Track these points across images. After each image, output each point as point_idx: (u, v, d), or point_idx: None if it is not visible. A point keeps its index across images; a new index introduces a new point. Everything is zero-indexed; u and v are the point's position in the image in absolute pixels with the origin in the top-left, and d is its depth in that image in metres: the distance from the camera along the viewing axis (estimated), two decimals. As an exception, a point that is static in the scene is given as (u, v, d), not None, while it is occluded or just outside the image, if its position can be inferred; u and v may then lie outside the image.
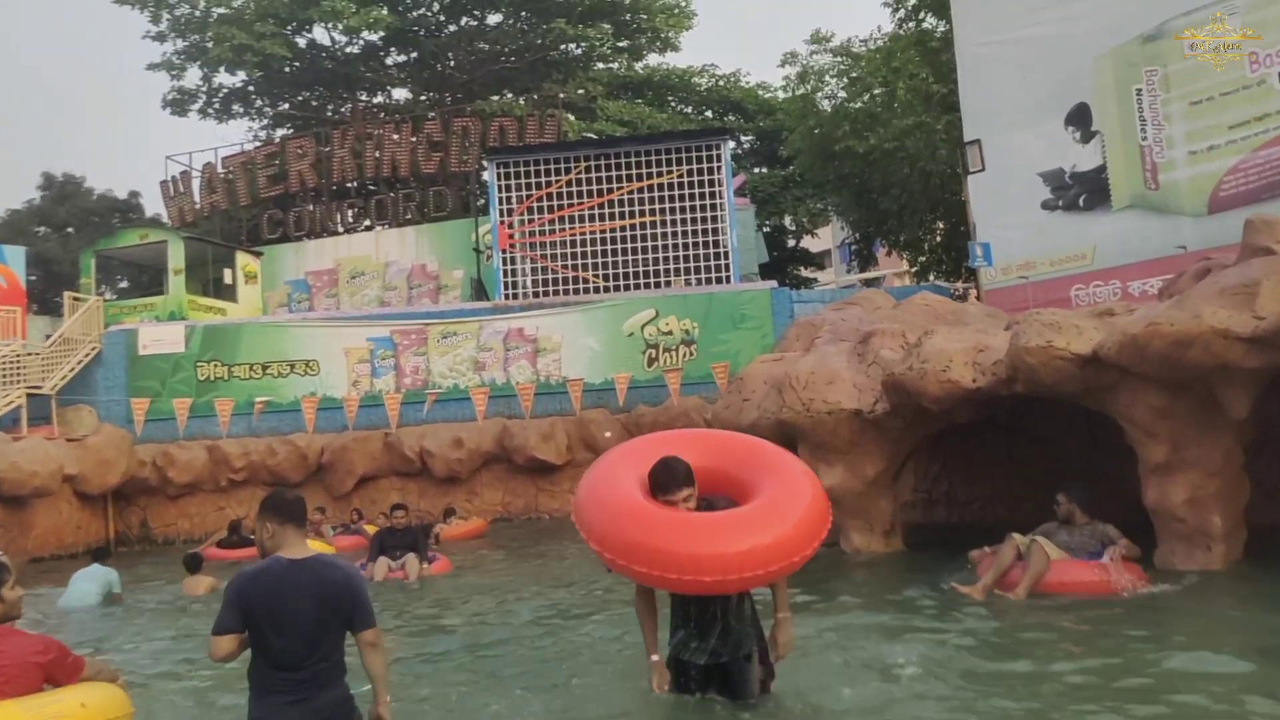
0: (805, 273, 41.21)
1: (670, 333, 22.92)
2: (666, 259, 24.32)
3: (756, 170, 37.39)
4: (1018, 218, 20.23)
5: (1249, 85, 17.33)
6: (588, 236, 24.53)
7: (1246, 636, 6.68)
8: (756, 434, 12.56)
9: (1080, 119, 19.70)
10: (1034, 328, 9.15)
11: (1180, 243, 17.28)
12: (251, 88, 38.78)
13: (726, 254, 24.17)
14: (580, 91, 37.35)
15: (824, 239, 47.80)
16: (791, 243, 39.86)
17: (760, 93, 38.61)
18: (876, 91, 27.65)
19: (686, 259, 24.29)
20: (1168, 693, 5.38)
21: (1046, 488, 9.28)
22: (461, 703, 6.10)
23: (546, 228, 24.68)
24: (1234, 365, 7.77)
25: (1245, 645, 6.30)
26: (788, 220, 38.17)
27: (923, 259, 30.37)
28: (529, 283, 24.70)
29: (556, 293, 24.30)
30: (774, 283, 24.49)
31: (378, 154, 30.41)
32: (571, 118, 33.90)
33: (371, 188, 33.67)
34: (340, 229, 30.67)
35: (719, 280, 23.98)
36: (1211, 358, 7.79)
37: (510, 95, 38.17)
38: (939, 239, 29.61)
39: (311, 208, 30.38)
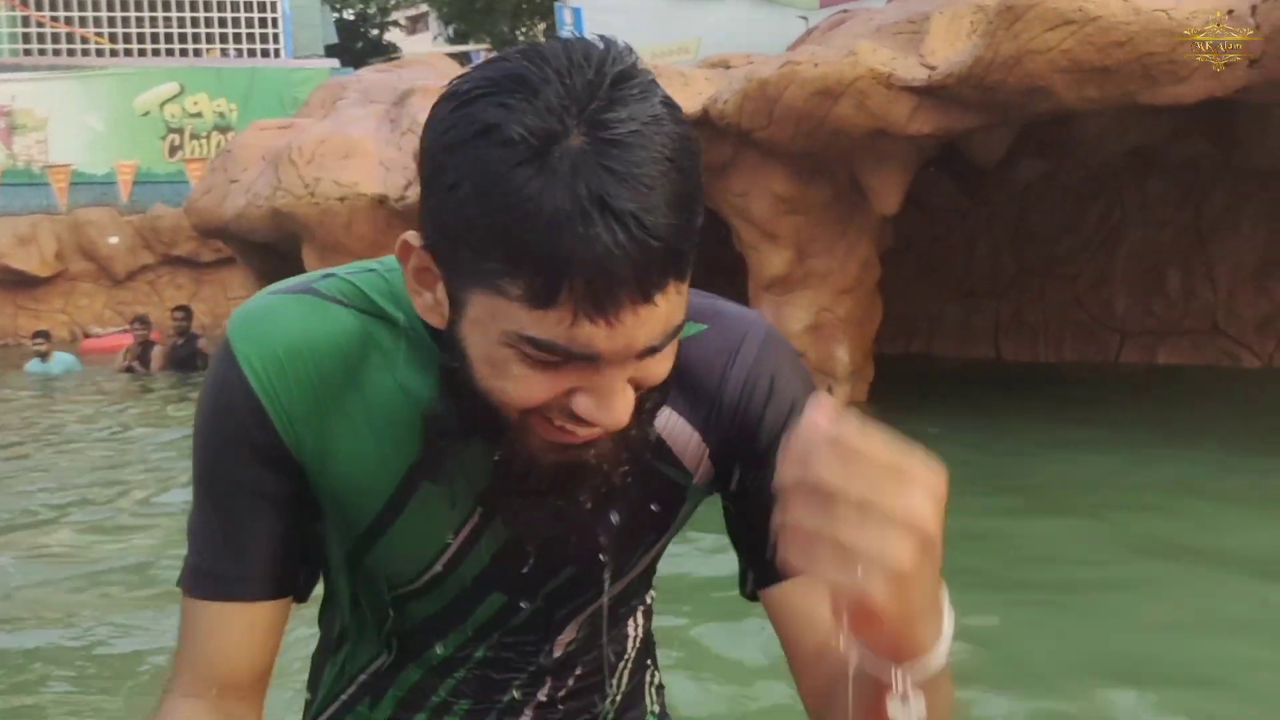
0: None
1: (199, 114, 18.38)
2: (196, 20, 19.41)
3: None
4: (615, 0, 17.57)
5: None
6: (88, -18, 18.98)
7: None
8: (244, 228, 9.08)
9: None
10: (623, 76, 6.29)
11: (799, 16, 15.28)
12: None
13: (276, 21, 19.69)
14: None
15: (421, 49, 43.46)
16: (374, 32, 35.03)
17: None
18: None
19: (223, 23, 19.55)
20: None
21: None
22: None
23: (27, -36, 18.77)
24: (894, 130, 5.34)
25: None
26: (373, 9, 33.39)
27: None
28: (5, 37, 18.82)
29: (44, 53, 18.74)
30: (335, 61, 20.31)
31: None
32: None
33: None
34: None
35: (265, 54, 19.59)
36: (867, 116, 5.32)
37: None
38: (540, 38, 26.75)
39: None
